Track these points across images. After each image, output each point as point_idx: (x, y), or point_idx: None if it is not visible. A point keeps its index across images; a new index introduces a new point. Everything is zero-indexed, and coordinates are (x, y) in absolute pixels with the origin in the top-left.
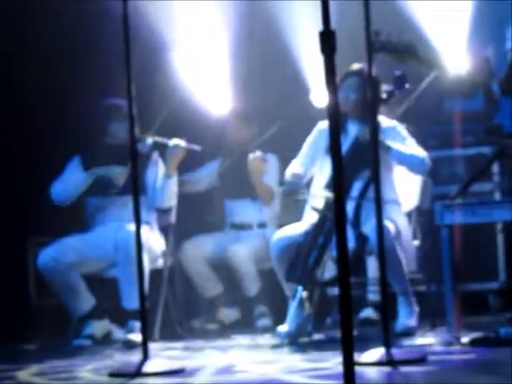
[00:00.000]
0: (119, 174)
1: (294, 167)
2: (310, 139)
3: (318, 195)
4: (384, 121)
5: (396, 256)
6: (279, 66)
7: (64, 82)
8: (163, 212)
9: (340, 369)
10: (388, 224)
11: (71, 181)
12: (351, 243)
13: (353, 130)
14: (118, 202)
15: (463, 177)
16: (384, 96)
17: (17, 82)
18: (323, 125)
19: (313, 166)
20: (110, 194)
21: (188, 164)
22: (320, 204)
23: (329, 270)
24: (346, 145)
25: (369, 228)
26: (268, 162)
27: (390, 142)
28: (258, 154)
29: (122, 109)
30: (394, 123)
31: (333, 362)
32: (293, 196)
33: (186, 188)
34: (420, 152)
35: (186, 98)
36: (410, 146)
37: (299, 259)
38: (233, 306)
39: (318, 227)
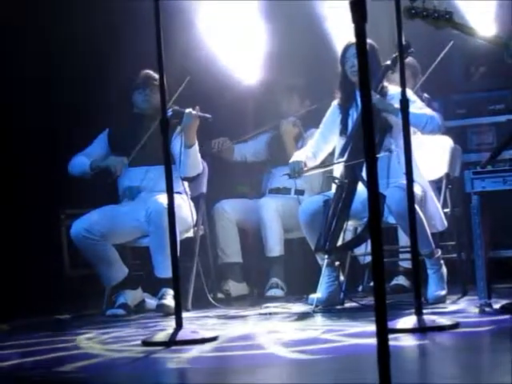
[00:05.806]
0: (118, 162)
1: (304, 150)
2: (326, 117)
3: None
4: (391, 88)
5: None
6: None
7: (98, 58)
8: (193, 181)
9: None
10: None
11: (80, 162)
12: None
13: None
14: (151, 172)
15: (493, 144)
16: (388, 62)
17: (58, 59)
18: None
19: (327, 144)
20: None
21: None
22: (337, 173)
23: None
24: (357, 114)
25: (389, 190)
26: (308, 134)
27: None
28: (292, 119)
29: (149, 79)
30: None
31: (368, 328)
32: (295, 176)
33: (237, 157)
34: (429, 112)
35: (216, 70)
36: (420, 108)
37: (323, 230)
38: (241, 281)
39: (336, 196)
